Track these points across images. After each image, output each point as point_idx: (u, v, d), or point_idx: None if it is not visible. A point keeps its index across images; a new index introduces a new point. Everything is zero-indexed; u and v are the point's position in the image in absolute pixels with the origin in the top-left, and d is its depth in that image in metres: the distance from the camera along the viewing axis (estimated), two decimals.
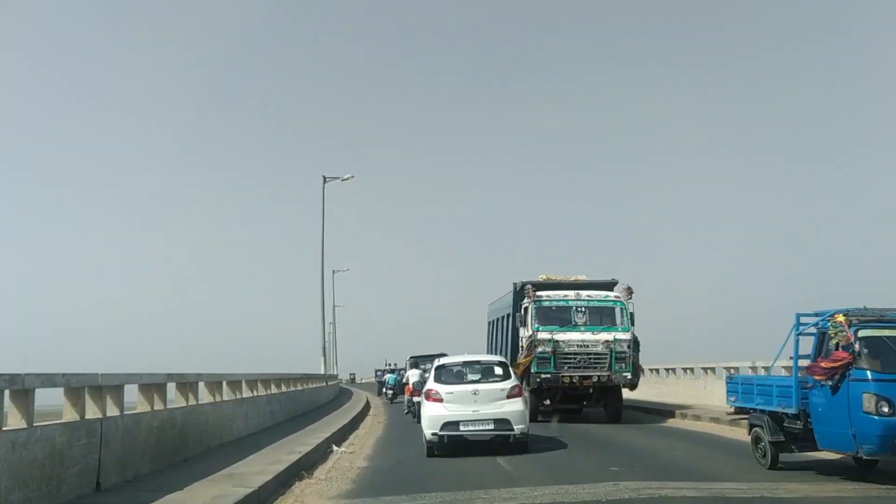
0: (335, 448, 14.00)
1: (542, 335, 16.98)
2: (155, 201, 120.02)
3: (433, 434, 12.07)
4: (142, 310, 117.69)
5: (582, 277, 18.96)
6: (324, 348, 32.73)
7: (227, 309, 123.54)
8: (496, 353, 21.01)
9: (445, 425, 11.98)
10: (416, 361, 24.58)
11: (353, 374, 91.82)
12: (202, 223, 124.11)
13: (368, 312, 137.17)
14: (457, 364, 13.28)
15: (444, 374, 12.98)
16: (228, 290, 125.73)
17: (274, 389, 18.56)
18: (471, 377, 12.81)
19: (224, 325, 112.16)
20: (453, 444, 12.11)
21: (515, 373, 16.41)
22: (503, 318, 21.28)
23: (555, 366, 16.78)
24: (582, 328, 17.23)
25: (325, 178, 33.03)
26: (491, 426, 11.93)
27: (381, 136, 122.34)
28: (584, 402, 18.61)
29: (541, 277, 18.98)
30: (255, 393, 16.45)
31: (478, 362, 13.20)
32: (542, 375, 16.83)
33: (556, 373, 16.82)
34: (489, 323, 24.79)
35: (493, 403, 12.07)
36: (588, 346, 16.95)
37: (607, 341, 16.97)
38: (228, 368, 16.64)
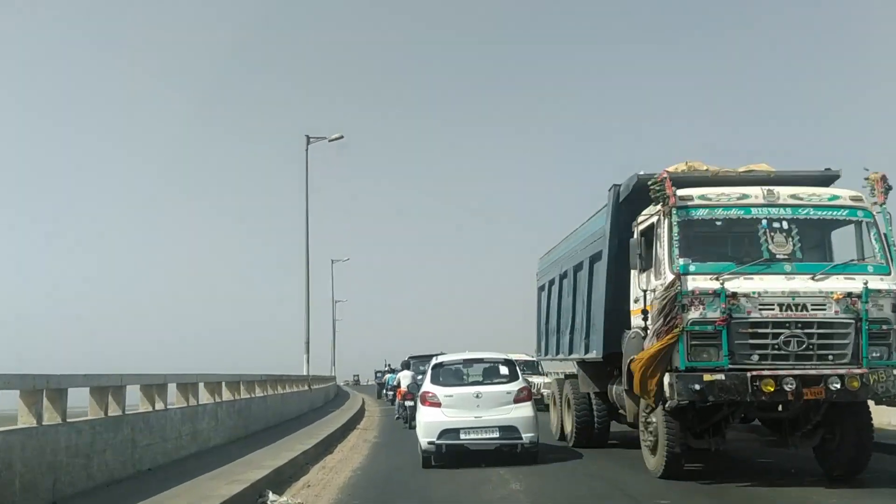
0: (270, 497, 8.35)
1: (700, 282, 7.95)
2: (135, 185, 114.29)
3: (430, 443, 10.66)
4: (98, 303, 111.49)
5: (763, 166, 9.25)
6: (307, 343, 27.00)
7: (208, 304, 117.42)
8: (561, 335, 13.32)
9: (444, 433, 10.60)
10: (410, 362, 19.94)
11: (357, 375, 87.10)
12: (181, 211, 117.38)
13: (376, 311, 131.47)
14: (456, 362, 11.82)
15: (443, 375, 11.43)
16: (213, 287, 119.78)
17: (205, 398, 12.77)
18: (472, 378, 11.74)
19: (208, 323, 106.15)
20: (452, 454, 10.76)
21: (643, 392, 8.39)
22: (580, 266, 11.95)
23: (731, 351, 7.79)
24: (787, 267, 8.05)
25: (308, 137, 27.26)
26: (496, 434, 10.65)
27: (377, 121, 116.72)
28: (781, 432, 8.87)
29: (677, 168, 9.08)
30: (160, 406, 10.59)
31: (480, 360, 11.82)
32: (709, 376, 7.69)
33: (741, 367, 7.76)
34: (542, 288, 15.04)
35: (499, 408, 10.72)
36: (807, 307, 7.88)
37: (849, 296, 7.83)
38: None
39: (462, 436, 10.60)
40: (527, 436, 10.61)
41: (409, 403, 17.41)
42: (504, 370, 11.33)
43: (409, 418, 17.16)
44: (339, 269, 50.44)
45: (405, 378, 18.49)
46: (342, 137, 27.80)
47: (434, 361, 11.87)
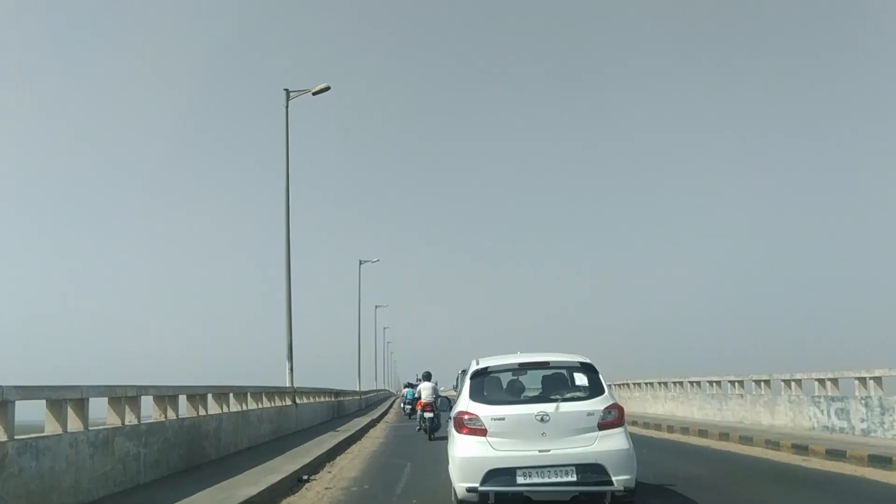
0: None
1: None
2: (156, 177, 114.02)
3: (470, 490, 7.17)
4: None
5: None
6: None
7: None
8: None
9: (492, 475, 7.12)
10: (430, 374, 21.30)
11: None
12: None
13: (455, 322, 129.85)
14: (508, 368, 8.07)
15: (488, 387, 7.79)
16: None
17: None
18: (533, 391, 7.98)
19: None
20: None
21: None
22: None
23: None
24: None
25: (288, 91, 23.69)
26: (572, 477, 7.05)
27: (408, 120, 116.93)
28: None
29: None
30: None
31: (544, 364, 7.99)
32: None
33: None
34: None
35: (576, 437, 7.22)
36: None
37: None
38: None
39: (520, 479, 7.18)
40: (620, 479, 7.13)
41: (428, 415, 18.65)
42: (582, 379, 7.79)
43: (430, 430, 18.35)
44: (408, 275, 50.63)
45: (425, 390, 20.00)
46: (329, 88, 24.08)
47: (474, 367, 8.00)
